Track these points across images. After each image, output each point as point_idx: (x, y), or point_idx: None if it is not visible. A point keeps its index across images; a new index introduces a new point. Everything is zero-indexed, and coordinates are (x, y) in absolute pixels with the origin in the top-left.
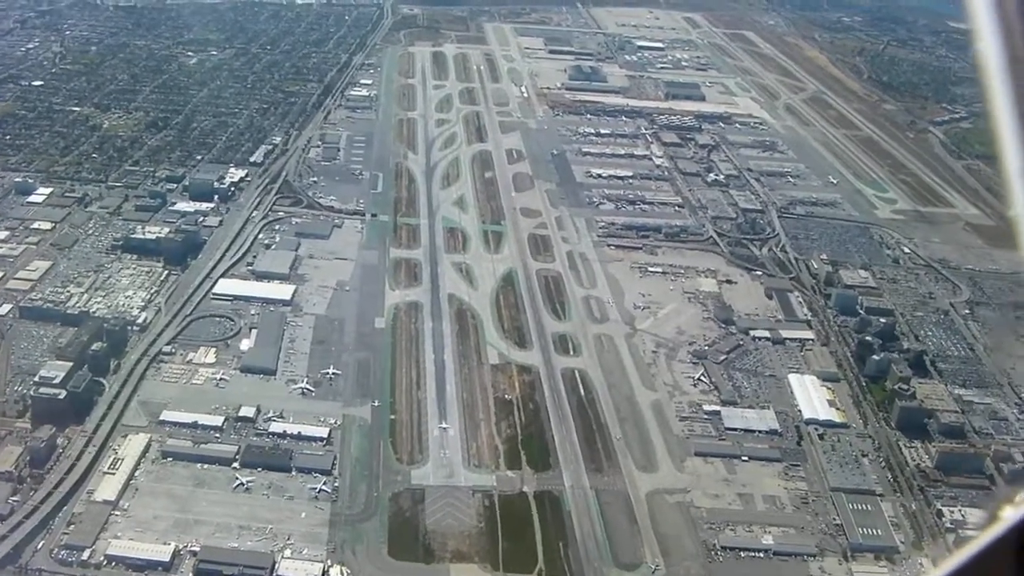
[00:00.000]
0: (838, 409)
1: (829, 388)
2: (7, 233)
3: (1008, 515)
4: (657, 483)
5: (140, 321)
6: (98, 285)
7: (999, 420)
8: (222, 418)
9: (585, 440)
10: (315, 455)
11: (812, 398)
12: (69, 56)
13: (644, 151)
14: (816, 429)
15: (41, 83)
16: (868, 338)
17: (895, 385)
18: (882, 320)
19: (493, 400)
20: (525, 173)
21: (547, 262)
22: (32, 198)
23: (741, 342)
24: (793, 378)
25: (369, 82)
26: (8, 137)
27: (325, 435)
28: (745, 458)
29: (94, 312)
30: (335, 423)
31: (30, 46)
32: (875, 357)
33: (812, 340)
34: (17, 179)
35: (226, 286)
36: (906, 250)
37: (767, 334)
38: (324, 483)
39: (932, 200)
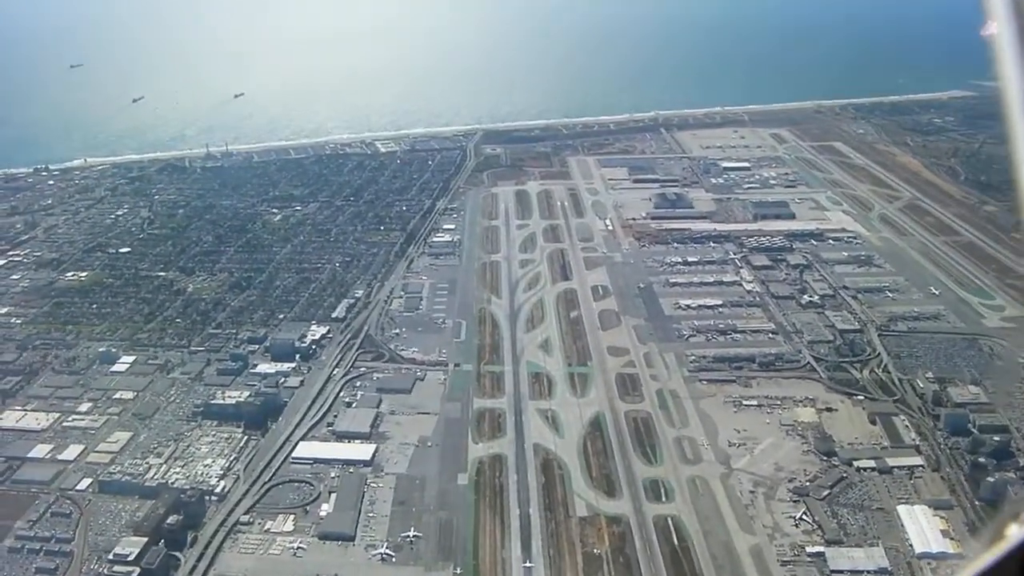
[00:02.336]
0: (952, 539)
1: (942, 517)
2: (90, 404)
3: (1013, 533)
4: None
5: (218, 490)
6: (177, 455)
7: None
8: None
9: None
10: None
11: (924, 530)
12: (156, 221)
13: (733, 277)
14: (930, 563)
15: (128, 249)
16: (982, 459)
17: None
18: (996, 438)
19: (581, 555)
20: (611, 310)
21: (636, 403)
22: (115, 367)
23: (845, 474)
24: (903, 509)
25: (452, 227)
26: (95, 306)
27: None
28: None
29: (172, 483)
30: None
31: (119, 213)
32: (990, 479)
33: (922, 466)
34: (101, 349)
35: (306, 449)
36: (1020, 360)
37: (872, 463)
38: None
39: None
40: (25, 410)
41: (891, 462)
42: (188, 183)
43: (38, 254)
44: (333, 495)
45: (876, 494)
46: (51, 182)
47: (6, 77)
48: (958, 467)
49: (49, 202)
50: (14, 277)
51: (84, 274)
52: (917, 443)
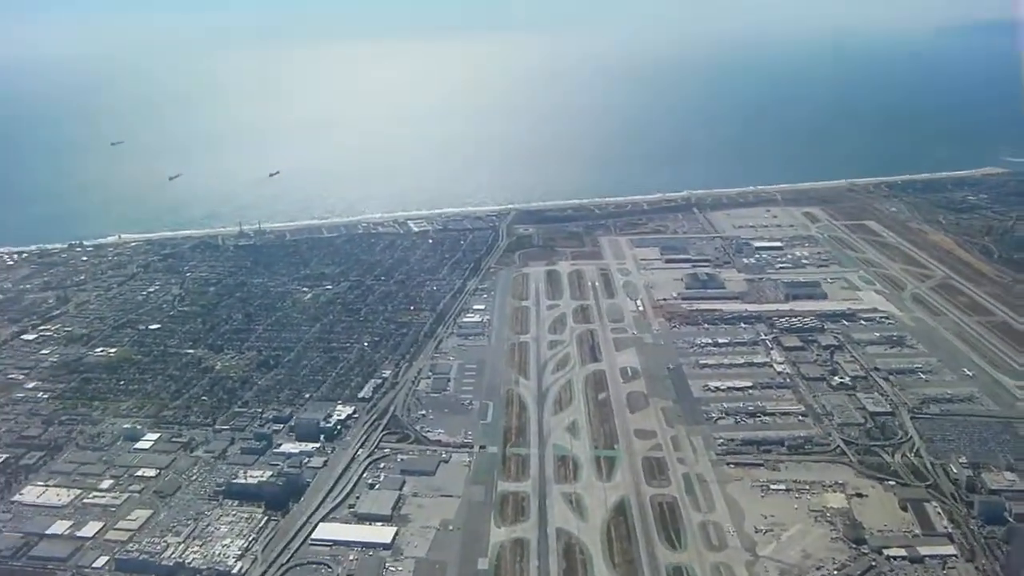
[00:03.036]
0: None
1: None
2: (111, 482)
3: None
4: None
5: (235, 571)
6: (196, 534)
7: None
8: None
9: None
10: None
11: None
12: (187, 298)
13: (764, 358)
14: None
15: (158, 326)
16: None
17: None
18: None
19: None
20: (640, 392)
21: (662, 487)
22: (139, 444)
23: (874, 563)
24: None
25: (482, 307)
26: (122, 383)
27: None
28: None
29: (189, 563)
30: None
31: (151, 289)
32: None
33: (955, 556)
34: (126, 426)
35: (326, 531)
36: None
37: (903, 552)
38: None
39: None
40: (47, 486)
41: (923, 551)
42: (220, 261)
43: (68, 329)
44: None
45: None
46: (84, 258)
47: (49, 153)
48: (993, 558)
49: (82, 278)
50: (44, 352)
51: (113, 350)
52: (950, 531)
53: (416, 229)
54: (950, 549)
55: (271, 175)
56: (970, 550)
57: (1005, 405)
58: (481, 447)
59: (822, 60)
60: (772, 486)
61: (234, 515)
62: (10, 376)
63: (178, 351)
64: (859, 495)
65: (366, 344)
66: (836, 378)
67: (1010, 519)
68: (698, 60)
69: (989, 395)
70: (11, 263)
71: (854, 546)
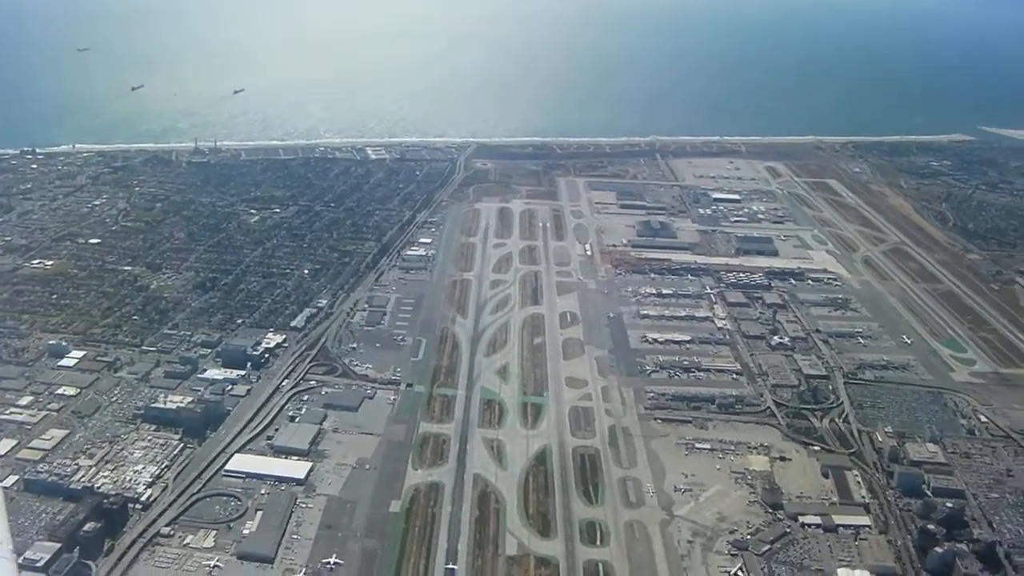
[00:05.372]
0: None
1: None
2: (31, 399)
3: None
4: None
5: (144, 498)
6: (109, 458)
7: None
8: None
9: None
10: None
11: None
12: (132, 213)
13: (707, 312)
14: None
15: (98, 241)
16: (932, 526)
17: None
18: (949, 504)
19: None
20: (576, 339)
21: (586, 438)
22: (63, 362)
23: (788, 529)
24: (842, 573)
25: (428, 241)
26: (55, 297)
27: None
28: None
29: (98, 487)
30: None
31: (97, 202)
32: (938, 549)
33: (869, 527)
34: (52, 342)
35: (240, 462)
36: (983, 419)
37: (818, 520)
38: None
39: (1015, 361)
40: None
41: (838, 520)
42: (171, 177)
43: (7, 239)
44: (259, 513)
45: (818, 553)
46: (34, 166)
47: (11, 56)
48: (907, 531)
49: (28, 186)
50: None
51: (50, 263)
52: (867, 501)
53: (374, 156)
54: (864, 519)
55: (235, 92)
56: (884, 522)
57: (939, 375)
58: (408, 385)
59: (806, 16)
60: (697, 445)
61: (150, 440)
62: None
63: (116, 267)
64: (783, 459)
65: (306, 272)
66: (776, 338)
67: (928, 493)
68: (675, 9)
69: (925, 364)
70: None
71: (770, 511)
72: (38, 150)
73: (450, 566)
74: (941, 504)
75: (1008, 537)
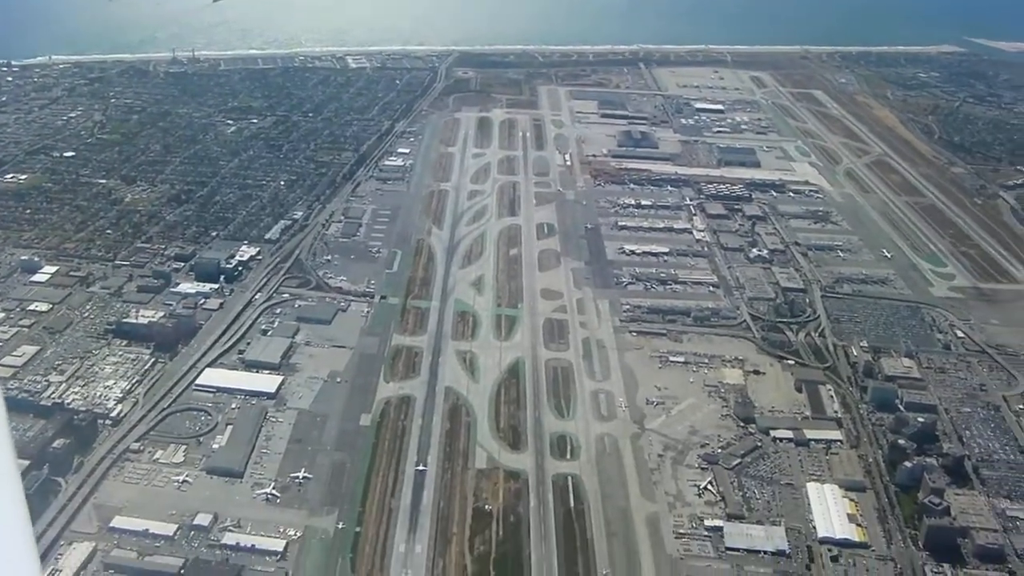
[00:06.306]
0: (859, 526)
1: (852, 500)
2: (2, 315)
3: None
4: None
5: (115, 414)
6: (80, 374)
7: None
8: (175, 526)
9: (565, 560)
10: (265, 572)
11: (831, 512)
12: (108, 125)
13: (685, 224)
14: (830, 550)
15: (73, 154)
16: (902, 441)
17: (927, 498)
18: (921, 418)
19: (472, 511)
20: (553, 250)
21: (560, 351)
22: (36, 277)
23: (760, 443)
24: (812, 487)
25: (407, 151)
26: (28, 211)
27: (280, 549)
28: None
29: (68, 403)
30: (295, 535)
31: (72, 115)
32: (907, 464)
33: (840, 442)
34: (24, 257)
35: (211, 376)
36: (959, 334)
37: (790, 434)
38: None
39: (994, 275)
40: None
41: (809, 434)
42: (148, 88)
43: None
44: (229, 427)
45: (788, 468)
46: (10, 78)
47: None
48: (878, 446)
49: (3, 99)
50: None
51: (23, 176)
52: (839, 416)
53: (354, 65)
54: (836, 434)
55: (215, 0)
56: (856, 436)
57: (918, 290)
58: (382, 297)
59: None
60: (671, 358)
61: (121, 355)
62: None
63: (90, 181)
64: (757, 372)
65: (282, 183)
66: (755, 250)
67: (900, 407)
68: None
69: (904, 278)
70: None
71: (742, 425)
72: (13, 62)
73: (420, 467)
74: (913, 419)
75: (977, 451)
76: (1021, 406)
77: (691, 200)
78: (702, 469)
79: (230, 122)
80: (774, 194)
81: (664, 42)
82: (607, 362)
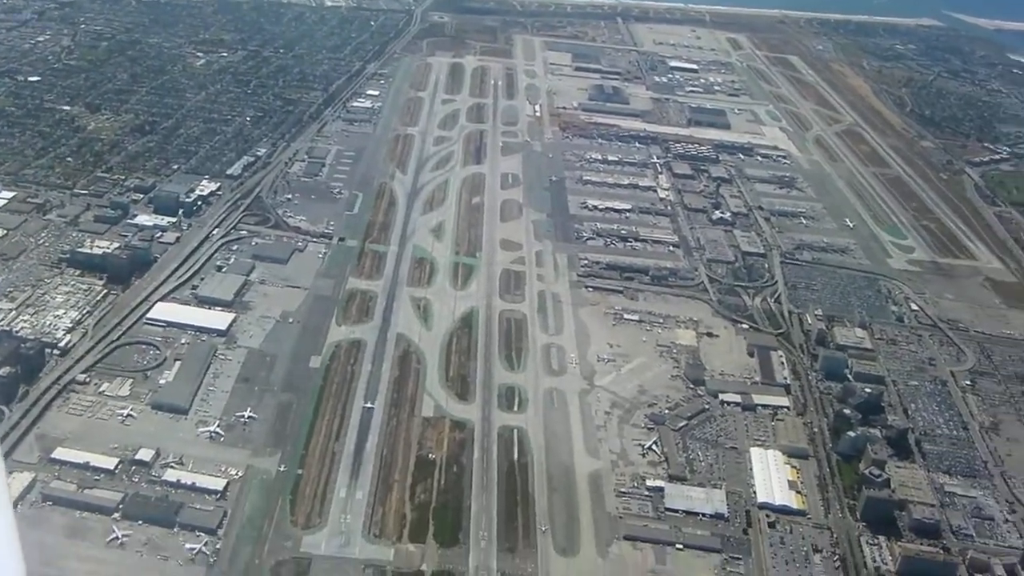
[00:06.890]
0: (799, 493)
1: (794, 467)
2: None
3: None
4: (574, 570)
5: (62, 344)
6: (30, 302)
7: (983, 519)
8: (116, 460)
9: (505, 513)
10: (204, 511)
11: (772, 478)
12: (76, 51)
13: (650, 182)
14: (768, 516)
15: (38, 78)
16: (848, 410)
17: (867, 468)
18: (868, 389)
19: (415, 459)
20: (515, 201)
21: (515, 302)
22: None
23: (707, 406)
24: (755, 452)
25: (376, 93)
26: None
27: (221, 488)
28: (680, 546)
29: (17, 331)
30: (236, 474)
31: (40, 39)
32: (851, 433)
33: (787, 408)
34: None
35: (162, 311)
36: (914, 307)
37: (738, 398)
38: (205, 544)
39: (953, 250)
40: None
41: (757, 399)
42: (119, 15)
43: None
44: (178, 363)
45: (734, 432)
46: None
47: None
48: (823, 414)
49: None
50: None
51: None
52: (788, 382)
53: (329, 3)
54: (784, 400)
55: None
56: (803, 404)
57: (876, 261)
58: (340, 239)
59: None
60: (626, 315)
61: (73, 285)
62: None
63: (54, 107)
64: (710, 335)
65: (248, 119)
66: (718, 212)
67: (849, 377)
68: None
69: (864, 248)
70: None
71: (692, 387)
72: None
73: (368, 405)
74: (860, 389)
75: (921, 424)
76: (968, 382)
77: (658, 158)
78: (648, 429)
79: (200, 54)
80: (742, 157)
81: None
82: (561, 316)
